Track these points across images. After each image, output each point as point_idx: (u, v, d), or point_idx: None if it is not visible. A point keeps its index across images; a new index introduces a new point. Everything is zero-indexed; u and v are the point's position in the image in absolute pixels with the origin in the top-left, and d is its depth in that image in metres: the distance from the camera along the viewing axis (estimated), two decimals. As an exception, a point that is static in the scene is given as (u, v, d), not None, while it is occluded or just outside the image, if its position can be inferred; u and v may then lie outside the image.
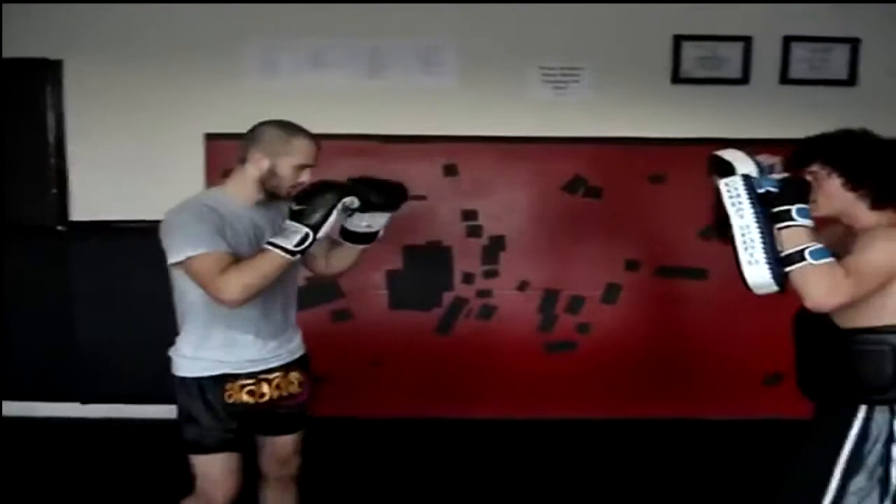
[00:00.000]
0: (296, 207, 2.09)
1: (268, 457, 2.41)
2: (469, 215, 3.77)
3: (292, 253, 2.05)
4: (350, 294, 3.77)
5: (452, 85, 3.73)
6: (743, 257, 1.80)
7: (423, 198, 3.74)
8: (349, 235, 2.33)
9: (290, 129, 2.20)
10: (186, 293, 2.18)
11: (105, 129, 3.72)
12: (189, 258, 2.07)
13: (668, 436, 3.67)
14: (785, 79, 3.76)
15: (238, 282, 2.03)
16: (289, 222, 2.08)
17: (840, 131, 1.98)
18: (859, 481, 1.89)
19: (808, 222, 1.80)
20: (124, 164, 3.71)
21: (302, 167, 2.18)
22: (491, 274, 3.74)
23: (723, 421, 3.73)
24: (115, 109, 3.70)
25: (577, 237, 3.77)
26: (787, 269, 1.78)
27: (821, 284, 1.76)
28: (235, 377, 2.21)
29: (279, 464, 2.41)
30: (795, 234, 1.79)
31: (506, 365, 3.78)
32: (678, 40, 3.72)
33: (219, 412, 2.20)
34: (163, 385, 3.81)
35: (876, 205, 1.91)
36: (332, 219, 2.09)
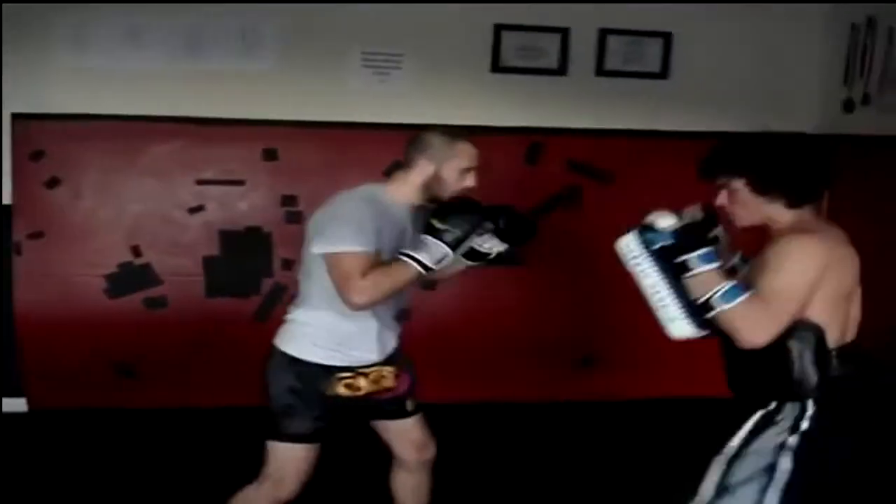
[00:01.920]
0: (438, 224, 2.14)
1: (402, 442, 2.42)
2: (289, 201, 3.73)
3: (429, 270, 2.13)
4: (165, 281, 3.68)
5: (272, 67, 3.68)
6: (661, 315, 1.80)
7: (241, 182, 3.70)
8: (467, 252, 2.37)
9: (453, 133, 2.25)
10: (325, 279, 2.15)
11: None
12: (337, 253, 2.09)
13: (483, 419, 3.76)
14: (601, 70, 3.87)
15: (374, 289, 2.07)
16: (430, 239, 2.14)
17: (739, 137, 1.93)
18: (744, 468, 1.83)
19: (710, 266, 1.75)
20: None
21: (466, 170, 2.21)
22: (311, 260, 3.69)
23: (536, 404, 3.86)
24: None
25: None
26: (707, 315, 1.75)
27: (745, 326, 1.73)
28: (341, 369, 2.22)
29: (417, 448, 2.42)
30: (700, 282, 1.75)
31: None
32: (498, 29, 3.77)
33: (319, 401, 2.21)
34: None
35: (792, 204, 1.85)
36: (468, 241, 2.22)
